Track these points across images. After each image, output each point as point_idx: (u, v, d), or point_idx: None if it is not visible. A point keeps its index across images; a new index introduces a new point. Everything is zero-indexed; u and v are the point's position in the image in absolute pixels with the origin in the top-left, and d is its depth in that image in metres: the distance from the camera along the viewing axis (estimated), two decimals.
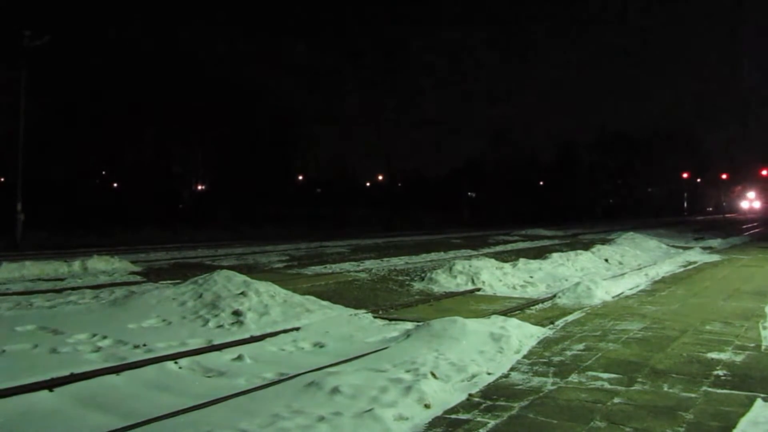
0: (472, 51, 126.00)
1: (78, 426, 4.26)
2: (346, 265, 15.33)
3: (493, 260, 13.14)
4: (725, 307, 8.70)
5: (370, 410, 4.19)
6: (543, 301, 9.91)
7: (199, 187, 56.15)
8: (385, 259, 17.25)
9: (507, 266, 12.71)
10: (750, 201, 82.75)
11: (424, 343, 6.08)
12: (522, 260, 13.79)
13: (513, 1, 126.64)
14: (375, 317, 8.40)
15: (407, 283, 12.23)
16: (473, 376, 5.20)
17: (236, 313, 7.72)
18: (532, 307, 9.34)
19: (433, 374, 5.01)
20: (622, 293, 10.30)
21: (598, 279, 11.15)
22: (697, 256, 17.98)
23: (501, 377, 5.23)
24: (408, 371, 5.13)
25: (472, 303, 9.86)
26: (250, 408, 4.38)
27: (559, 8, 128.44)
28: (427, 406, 4.39)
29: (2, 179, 41.26)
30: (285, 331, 7.32)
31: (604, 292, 9.94)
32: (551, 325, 7.50)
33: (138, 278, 12.50)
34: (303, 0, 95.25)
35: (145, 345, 6.44)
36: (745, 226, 45.14)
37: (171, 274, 12.93)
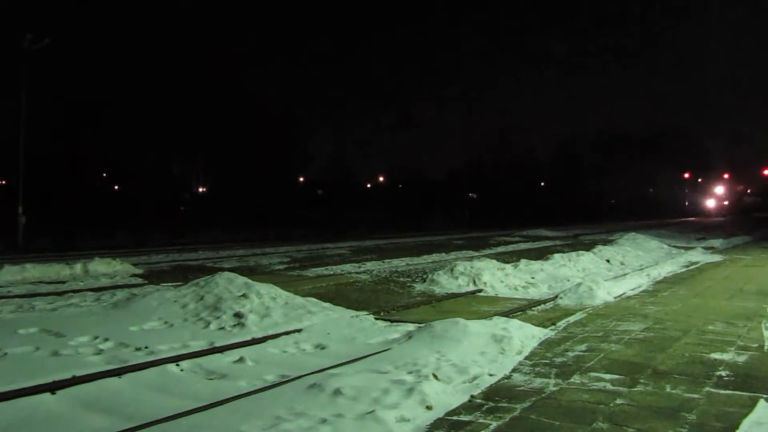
0: (473, 51, 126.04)
1: (80, 429, 4.26)
2: (348, 267, 15.32)
3: (494, 261, 13.13)
4: (727, 308, 8.68)
5: (372, 412, 4.18)
6: (545, 302, 9.90)
7: (200, 190, 56.22)
8: (386, 260, 17.24)
9: (508, 267, 12.70)
10: (718, 199, 66.88)
11: (426, 345, 6.08)
12: (523, 261, 13.78)
13: (513, 2, 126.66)
14: (376, 319, 8.39)
15: (408, 284, 12.22)
16: (475, 378, 5.19)
17: (238, 315, 7.72)
18: (533, 308, 9.33)
19: (434, 376, 5.01)
20: (623, 294, 10.28)
21: (599, 279, 11.13)
22: (698, 256, 17.96)
23: (503, 378, 5.22)
24: (410, 373, 5.12)
25: (474, 304, 9.85)
26: (252, 410, 4.38)
27: (559, 8, 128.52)
28: (428, 408, 4.39)
29: (4, 182, 41.36)
30: (286, 333, 7.32)
31: (606, 292, 9.93)
32: (553, 326, 7.49)
33: (139, 281, 12.50)
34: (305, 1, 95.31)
35: (146, 347, 6.44)
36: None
37: (172, 277, 12.93)
